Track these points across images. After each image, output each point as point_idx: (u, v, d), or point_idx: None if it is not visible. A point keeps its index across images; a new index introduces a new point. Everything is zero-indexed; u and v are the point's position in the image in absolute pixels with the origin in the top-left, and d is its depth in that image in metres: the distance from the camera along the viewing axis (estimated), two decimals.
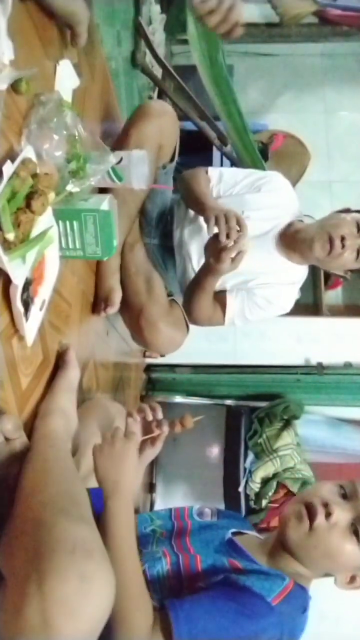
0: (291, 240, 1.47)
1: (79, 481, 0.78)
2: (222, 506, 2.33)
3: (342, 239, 1.37)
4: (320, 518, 0.91)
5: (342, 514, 0.91)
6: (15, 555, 0.62)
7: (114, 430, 0.94)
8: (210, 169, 1.53)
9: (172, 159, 1.51)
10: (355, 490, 0.94)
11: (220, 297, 1.51)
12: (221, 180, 1.50)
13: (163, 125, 1.41)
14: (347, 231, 1.38)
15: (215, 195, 1.50)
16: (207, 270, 1.33)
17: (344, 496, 0.95)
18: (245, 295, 1.51)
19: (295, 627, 0.88)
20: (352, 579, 0.96)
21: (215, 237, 1.23)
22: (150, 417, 1.02)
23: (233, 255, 1.22)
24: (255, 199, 1.48)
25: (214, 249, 1.24)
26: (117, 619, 0.75)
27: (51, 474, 0.76)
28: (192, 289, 1.43)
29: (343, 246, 1.37)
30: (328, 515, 0.91)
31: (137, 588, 0.82)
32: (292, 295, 1.57)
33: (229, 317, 1.52)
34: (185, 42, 2.05)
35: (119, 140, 1.39)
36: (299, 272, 1.56)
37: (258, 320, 1.57)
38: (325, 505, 0.92)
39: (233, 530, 1.02)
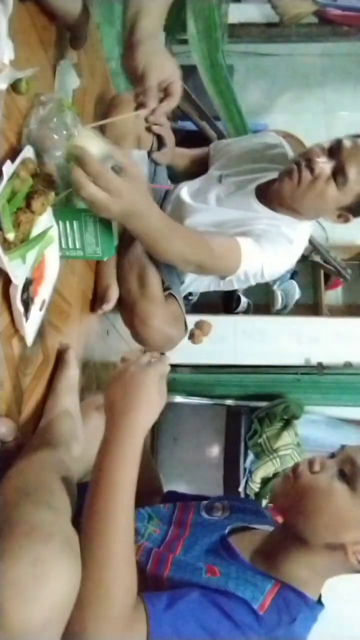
0: (274, 189, 1.32)
1: (63, 473, 0.74)
2: None
3: (309, 162, 1.22)
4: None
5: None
6: None
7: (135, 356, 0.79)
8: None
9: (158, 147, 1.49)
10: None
11: (225, 240, 1.26)
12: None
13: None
14: (315, 155, 1.22)
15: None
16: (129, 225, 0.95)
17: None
18: (250, 237, 1.28)
19: None
20: None
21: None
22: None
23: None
24: (234, 157, 1.43)
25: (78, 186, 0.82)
26: (94, 587, 0.62)
27: (32, 465, 0.74)
28: (150, 245, 1.06)
29: (312, 171, 1.22)
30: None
31: (124, 553, 0.67)
32: (291, 252, 1.35)
33: (245, 252, 1.23)
34: (185, 42, 2.05)
35: None
36: (295, 228, 1.34)
37: (272, 264, 1.30)
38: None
39: (232, 526, 0.90)
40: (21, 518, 0.58)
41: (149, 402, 0.73)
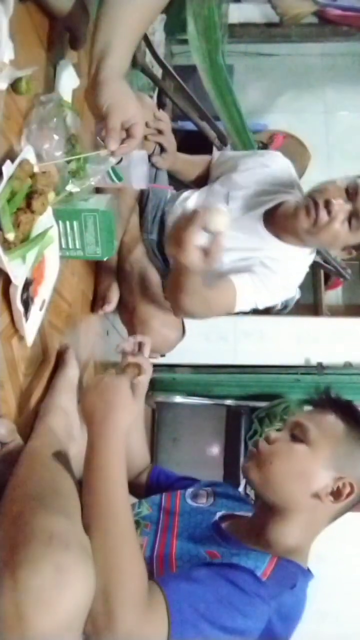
0: (281, 217, 1.33)
1: (68, 475, 0.76)
2: None
3: (327, 204, 1.22)
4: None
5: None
6: None
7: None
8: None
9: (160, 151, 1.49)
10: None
11: (221, 283, 1.28)
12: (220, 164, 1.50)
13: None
14: (333, 196, 1.23)
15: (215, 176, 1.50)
16: (179, 269, 1.04)
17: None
18: (247, 275, 1.32)
19: (283, 604, 0.79)
20: (337, 491, 0.87)
21: (179, 227, 0.95)
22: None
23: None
24: (242, 176, 1.42)
25: (175, 238, 0.94)
26: (105, 583, 0.64)
27: (37, 469, 0.75)
28: (172, 291, 1.14)
29: (329, 212, 1.22)
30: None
31: (129, 544, 0.71)
32: (294, 276, 1.40)
33: (240, 299, 1.28)
34: (185, 42, 2.05)
35: None
36: (298, 255, 1.38)
37: (266, 302, 1.37)
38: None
39: (222, 513, 0.97)
40: (39, 526, 0.59)
41: (124, 404, 0.82)
